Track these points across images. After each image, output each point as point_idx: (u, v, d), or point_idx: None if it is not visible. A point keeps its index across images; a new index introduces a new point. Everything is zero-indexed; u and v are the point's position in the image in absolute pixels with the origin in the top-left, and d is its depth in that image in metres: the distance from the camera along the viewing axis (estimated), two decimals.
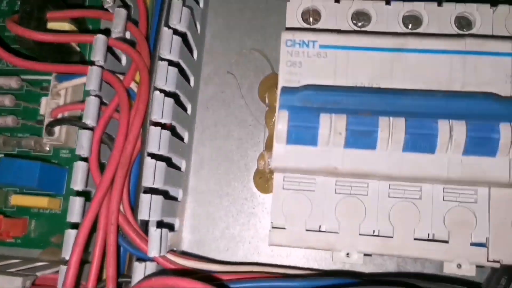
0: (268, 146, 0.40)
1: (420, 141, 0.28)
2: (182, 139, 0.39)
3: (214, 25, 0.43)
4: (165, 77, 0.34)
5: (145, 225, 0.34)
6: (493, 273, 0.33)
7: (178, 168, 0.39)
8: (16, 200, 0.39)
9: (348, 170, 0.28)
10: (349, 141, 0.28)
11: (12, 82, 0.41)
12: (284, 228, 0.30)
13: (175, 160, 0.38)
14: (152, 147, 0.33)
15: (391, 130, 0.28)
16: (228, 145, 0.42)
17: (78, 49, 0.41)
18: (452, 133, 0.27)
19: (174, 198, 0.38)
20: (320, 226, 0.30)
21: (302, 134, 0.28)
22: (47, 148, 0.41)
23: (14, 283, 0.32)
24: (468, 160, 0.28)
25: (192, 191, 0.41)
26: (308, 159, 0.28)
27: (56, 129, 0.39)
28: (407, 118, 0.28)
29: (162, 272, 0.32)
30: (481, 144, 0.27)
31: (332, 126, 0.28)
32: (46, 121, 0.39)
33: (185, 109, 0.40)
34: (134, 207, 0.35)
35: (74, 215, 0.33)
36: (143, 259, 0.33)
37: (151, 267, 0.33)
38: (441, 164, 0.28)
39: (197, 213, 0.41)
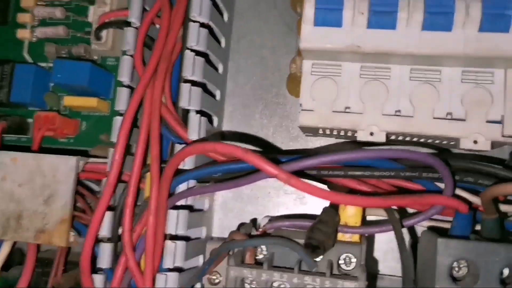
0: (300, 52, 0.42)
1: (438, 19, 0.29)
2: (219, 42, 0.41)
3: None
4: None
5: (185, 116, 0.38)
6: None
7: (216, 69, 0.41)
8: (68, 100, 0.42)
9: (370, 49, 0.30)
10: (371, 21, 0.30)
11: None
12: (312, 111, 0.33)
13: (214, 61, 0.40)
14: (191, 41, 0.36)
15: (410, 9, 0.29)
16: (262, 53, 0.44)
17: None
18: (468, 10, 0.29)
19: (213, 95, 0.41)
20: (345, 108, 0.33)
21: (328, 16, 0.30)
22: (95, 57, 0.44)
23: (69, 162, 0.36)
24: (484, 36, 0.29)
25: (229, 94, 0.44)
26: (334, 39, 0.31)
27: (104, 33, 0.42)
28: None
29: None
30: (496, 20, 0.29)
31: (355, 7, 0.30)
32: (94, 27, 0.42)
33: (222, 16, 0.42)
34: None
35: (120, 104, 0.36)
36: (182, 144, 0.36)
37: None
38: (458, 41, 0.29)
39: (234, 115, 0.44)
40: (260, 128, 0.43)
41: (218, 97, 0.42)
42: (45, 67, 0.44)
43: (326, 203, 0.33)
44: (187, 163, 0.35)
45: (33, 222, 0.35)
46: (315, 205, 0.41)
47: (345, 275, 0.30)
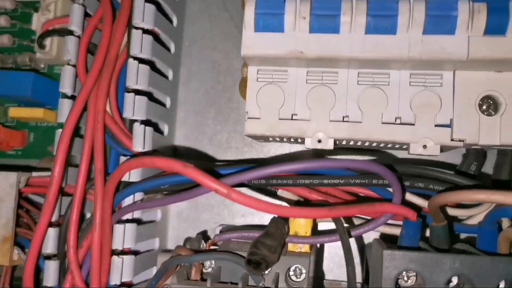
0: None
1: (382, 22, 0.28)
2: (168, 48, 0.40)
3: None
4: None
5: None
6: (465, 158, 0.34)
7: (165, 77, 0.40)
8: (14, 112, 0.41)
9: (314, 54, 0.29)
10: (313, 26, 0.29)
11: (7, 3, 0.43)
12: (258, 118, 0.32)
13: (162, 68, 0.39)
14: (134, 49, 0.34)
15: (353, 12, 0.29)
16: (214, 56, 0.43)
17: None
18: (412, 12, 0.28)
19: (163, 104, 0.40)
20: (292, 115, 0.32)
21: (269, 21, 0.29)
22: (42, 65, 0.43)
23: (9, 178, 0.34)
24: (428, 39, 0.28)
25: (182, 101, 0.43)
26: (276, 45, 0.29)
27: (47, 42, 0.40)
28: (368, 0, 0.28)
29: None
30: (440, 22, 0.28)
31: (297, 11, 0.29)
32: (37, 35, 0.41)
33: (170, 21, 0.41)
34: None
35: (63, 115, 0.35)
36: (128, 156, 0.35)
37: None
38: (403, 44, 0.28)
39: (187, 122, 0.43)
40: (214, 134, 0.42)
41: (168, 104, 0.41)
42: None
43: None
44: (133, 176, 0.34)
45: None
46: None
47: None
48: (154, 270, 0.37)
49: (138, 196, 0.34)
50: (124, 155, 0.35)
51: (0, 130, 0.40)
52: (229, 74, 0.43)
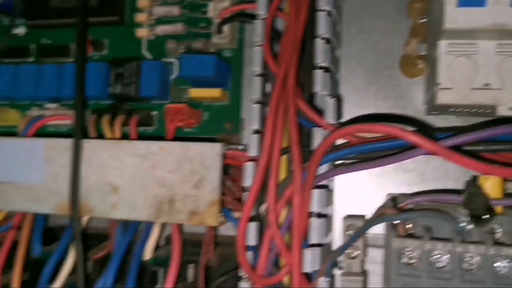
0: (414, 33, 0.44)
1: None
2: (337, 28, 0.43)
3: None
4: None
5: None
6: None
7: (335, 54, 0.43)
8: (194, 92, 0.45)
9: None
10: None
11: None
12: (451, 89, 0.34)
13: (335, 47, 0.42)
14: (321, 29, 0.38)
15: None
16: (373, 37, 0.46)
17: None
18: None
19: (335, 81, 0.43)
20: (484, 85, 0.34)
21: None
22: (212, 50, 0.47)
23: (215, 149, 0.38)
24: None
25: (343, 79, 0.46)
26: (478, 19, 0.32)
27: (225, 28, 0.44)
28: None
29: None
30: None
31: None
32: (214, 23, 0.45)
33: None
34: None
35: (256, 92, 0.38)
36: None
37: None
38: None
39: (349, 99, 0.45)
40: (375, 110, 0.45)
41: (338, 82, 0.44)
42: (165, 62, 0.47)
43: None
44: None
45: (185, 205, 0.38)
46: (436, 183, 0.43)
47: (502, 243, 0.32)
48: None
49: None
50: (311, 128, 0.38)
51: (185, 109, 0.44)
52: (388, 53, 0.45)
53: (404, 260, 0.31)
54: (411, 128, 0.32)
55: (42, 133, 0.48)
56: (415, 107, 0.44)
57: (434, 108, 0.37)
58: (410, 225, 0.34)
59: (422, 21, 0.43)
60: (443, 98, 0.34)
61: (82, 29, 0.44)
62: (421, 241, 0.30)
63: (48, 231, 0.47)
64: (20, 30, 0.52)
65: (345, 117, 0.45)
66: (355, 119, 0.39)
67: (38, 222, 0.44)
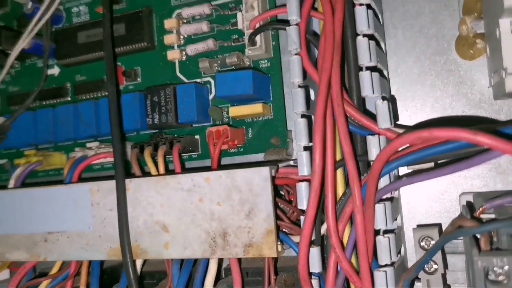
0: (467, 10, 0.39)
1: None
2: (379, 20, 0.39)
3: None
4: None
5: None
6: None
7: (381, 49, 0.39)
8: (234, 111, 0.42)
9: None
10: None
11: (205, 9, 0.44)
12: None
13: (378, 40, 0.38)
14: (362, 26, 0.34)
15: None
16: (421, 21, 0.41)
17: None
18: None
19: (385, 78, 0.39)
20: None
21: None
22: (247, 63, 0.44)
23: (262, 173, 0.35)
24: None
25: (392, 73, 0.41)
26: None
27: (258, 38, 0.41)
28: None
29: None
30: None
31: None
32: (246, 34, 0.42)
33: None
34: None
35: (299, 105, 0.35)
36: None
37: (382, 142, 0.34)
38: None
39: (402, 93, 0.41)
40: (434, 101, 0.41)
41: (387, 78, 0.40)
42: (201, 83, 0.45)
43: None
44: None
45: (239, 238, 0.35)
46: None
47: None
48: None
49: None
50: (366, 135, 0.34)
51: (228, 130, 0.41)
52: (441, 37, 0.41)
53: (492, 277, 0.27)
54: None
55: (88, 170, 0.47)
56: (480, 91, 0.39)
57: (504, 93, 0.32)
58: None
59: None
60: None
61: (111, 64, 0.42)
62: (509, 257, 0.26)
63: (106, 271, 0.46)
64: (54, 71, 0.51)
65: (402, 116, 0.41)
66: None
67: (94, 267, 0.42)
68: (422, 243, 0.36)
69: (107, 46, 0.43)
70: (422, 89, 0.41)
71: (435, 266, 0.35)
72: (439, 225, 0.38)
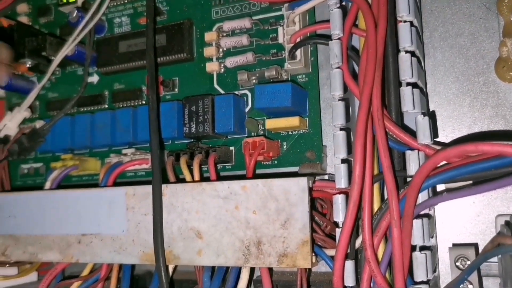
0: (507, 32, 0.39)
1: None
2: (420, 39, 0.40)
3: None
4: None
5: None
6: None
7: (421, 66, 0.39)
8: (270, 124, 0.43)
9: None
10: None
11: (246, 23, 0.45)
12: None
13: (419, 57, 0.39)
14: (405, 42, 0.34)
15: None
16: (460, 42, 0.41)
17: None
18: None
19: (425, 95, 0.39)
20: None
21: None
22: (286, 76, 0.44)
23: (300, 183, 0.35)
24: None
25: (430, 92, 0.42)
26: None
27: (298, 52, 0.42)
28: None
29: None
30: None
31: None
32: (286, 48, 0.43)
33: None
34: None
35: (339, 118, 0.35)
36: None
37: (421, 158, 0.34)
38: None
39: (440, 113, 0.41)
40: (472, 122, 0.40)
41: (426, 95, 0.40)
42: (238, 95, 0.45)
43: None
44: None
45: (274, 247, 0.35)
46: None
47: None
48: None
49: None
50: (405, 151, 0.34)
51: (264, 142, 0.41)
52: (480, 58, 0.41)
53: None
54: None
55: (122, 177, 0.48)
56: None
57: None
58: None
59: None
60: None
61: (153, 73, 0.43)
62: None
63: (136, 278, 0.46)
64: (93, 79, 0.52)
65: (440, 133, 0.41)
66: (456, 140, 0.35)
67: (125, 271, 0.43)
68: (458, 263, 0.35)
69: (150, 56, 0.44)
70: (460, 110, 0.41)
71: (470, 287, 0.34)
72: (475, 245, 0.38)
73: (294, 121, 0.42)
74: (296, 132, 0.43)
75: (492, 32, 0.40)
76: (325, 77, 0.44)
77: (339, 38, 0.37)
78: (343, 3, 0.38)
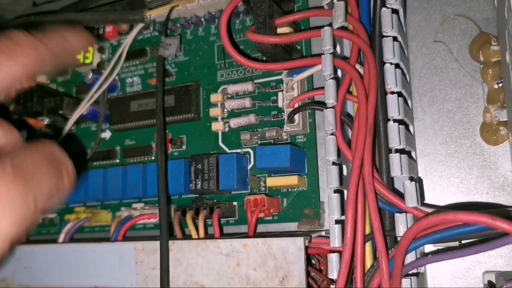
0: (491, 99, 0.42)
1: None
2: (409, 106, 0.43)
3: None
4: (392, 51, 0.38)
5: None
6: None
7: (409, 131, 0.42)
8: (271, 182, 0.46)
9: None
10: None
11: (249, 87, 0.49)
12: None
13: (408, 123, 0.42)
14: (392, 112, 0.37)
15: None
16: (447, 107, 0.44)
17: (298, 47, 0.47)
18: None
19: (412, 159, 0.42)
20: None
21: None
22: (285, 137, 0.47)
23: (297, 242, 0.38)
24: None
25: (420, 153, 0.45)
26: None
27: (296, 116, 0.45)
28: None
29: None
30: None
31: None
32: (286, 112, 0.46)
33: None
34: None
35: (333, 181, 0.38)
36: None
37: (409, 219, 0.37)
38: None
39: (429, 173, 0.44)
40: (460, 182, 0.43)
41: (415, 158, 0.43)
42: (241, 153, 0.48)
43: None
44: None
45: None
46: None
47: None
48: None
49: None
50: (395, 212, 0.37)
51: (265, 199, 0.44)
52: (466, 122, 0.44)
53: None
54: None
55: (132, 229, 0.51)
56: (504, 175, 0.42)
57: None
58: None
59: (497, 86, 0.42)
60: None
61: (161, 133, 0.47)
62: None
63: None
64: (106, 135, 0.56)
65: (429, 194, 0.44)
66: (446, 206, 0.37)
67: None
68: None
69: (159, 117, 0.48)
70: (448, 170, 0.44)
71: None
72: None
73: (293, 180, 0.45)
74: (296, 189, 0.46)
75: (477, 98, 0.43)
76: (322, 137, 0.46)
77: (333, 107, 0.40)
78: (337, 74, 0.41)
